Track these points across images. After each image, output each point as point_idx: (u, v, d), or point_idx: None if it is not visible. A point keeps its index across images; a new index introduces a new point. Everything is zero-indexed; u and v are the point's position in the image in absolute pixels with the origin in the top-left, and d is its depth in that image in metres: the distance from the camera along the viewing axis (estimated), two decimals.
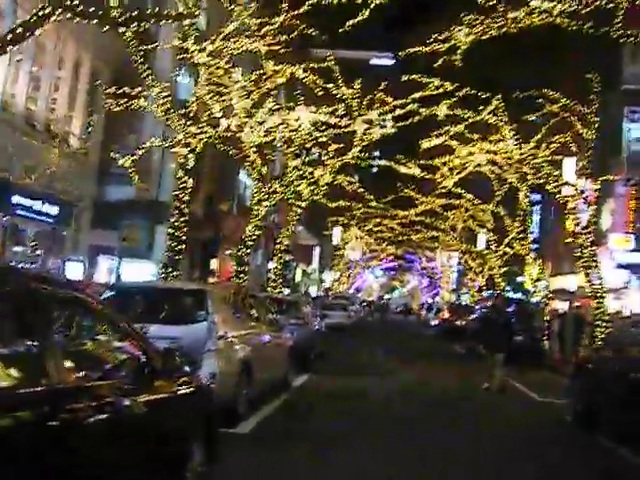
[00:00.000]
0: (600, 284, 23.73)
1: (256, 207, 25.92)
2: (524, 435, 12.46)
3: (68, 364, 4.26)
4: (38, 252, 23.87)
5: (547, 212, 51.68)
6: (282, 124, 21.94)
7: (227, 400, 10.47)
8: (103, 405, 4.32)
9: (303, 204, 31.47)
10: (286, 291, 38.15)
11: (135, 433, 4.84)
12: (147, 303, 11.29)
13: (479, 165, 34.12)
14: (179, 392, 5.75)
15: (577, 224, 24.45)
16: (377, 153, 42.78)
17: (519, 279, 52.54)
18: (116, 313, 5.47)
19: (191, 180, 19.40)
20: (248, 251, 25.24)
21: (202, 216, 34.11)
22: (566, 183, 25.49)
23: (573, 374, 14.75)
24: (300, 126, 22.57)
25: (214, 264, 37.89)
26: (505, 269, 44.04)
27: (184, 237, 19.19)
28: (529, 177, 32.31)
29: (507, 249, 43.18)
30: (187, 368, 6.31)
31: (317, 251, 69.78)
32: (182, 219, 19.07)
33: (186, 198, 19.30)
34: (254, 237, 25.46)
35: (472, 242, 52.65)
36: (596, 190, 25.39)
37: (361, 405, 13.97)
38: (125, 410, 4.65)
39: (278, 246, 31.97)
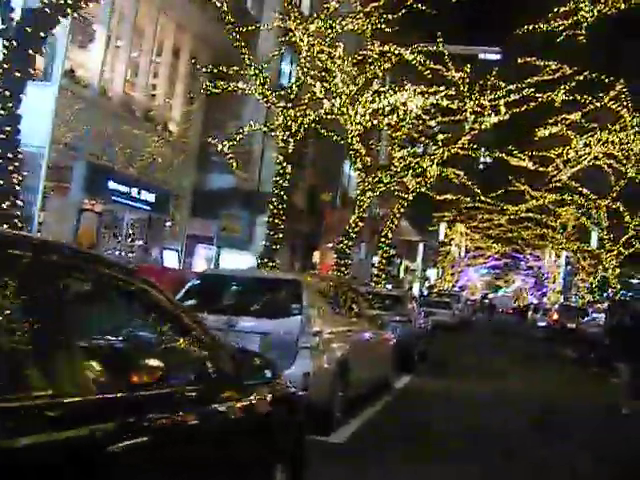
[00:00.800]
0: None
1: (360, 198, 24.79)
2: None
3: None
4: (135, 241, 23.36)
5: None
6: (389, 107, 20.68)
7: (321, 403, 9.37)
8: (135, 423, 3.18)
9: (409, 196, 30.18)
10: (389, 287, 36.92)
11: (193, 459, 3.68)
12: (237, 293, 10.30)
13: (596, 158, 32.26)
14: (257, 404, 4.61)
15: None
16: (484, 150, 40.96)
17: (634, 281, 50.10)
18: (179, 305, 4.35)
19: (290, 166, 18.40)
20: (350, 243, 24.13)
21: (304, 207, 33.25)
22: None
23: None
24: (408, 110, 21.26)
25: (315, 257, 36.94)
26: (619, 270, 41.74)
27: (283, 226, 18.22)
28: None
29: (622, 249, 41.03)
30: (269, 373, 5.12)
31: (421, 247, 68.22)
32: (281, 207, 18.10)
33: (286, 185, 18.36)
34: (357, 229, 24.32)
35: (584, 241, 50.38)
36: None
37: (468, 412, 12.66)
38: (175, 429, 3.51)
39: (382, 239, 30.77)
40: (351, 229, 24.00)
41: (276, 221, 18.00)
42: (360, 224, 24.43)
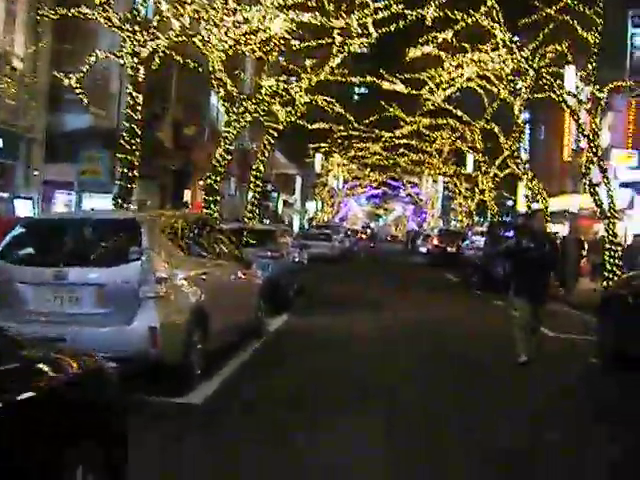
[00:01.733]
0: (610, 203, 21.34)
1: (225, 129, 23.23)
2: (553, 386, 10.17)
3: None
4: None
5: (537, 132, 49.32)
6: (245, 24, 19.02)
7: (175, 361, 8.11)
8: None
9: (279, 126, 28.78)
10: (264, 222, 35.65)
11: None
12: (67, 240, 8.78)
13: (469, 79, 31.56)
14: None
15: (586, 136, 21.89)
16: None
17: (509, 203, 50.49)
18: None
19: (141, 96, 16.71)
20: (218, 179, 22.60)
21: (171, 144, 31.45)
22: (568, 93, 22.94)
23: (601, 308, 12.42)
24: (271, 31, 19.70)
25: (187, 195, 35.27)
26: (496, 192, 41.69)
27: (137, 163, 16.58)
28: (523, 90, 29.90)
29: (498, 171, 40.91)
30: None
31: (299, 180, 67.21)
32: (134, 142, 16.41)
33: (138, 117, 16.64)
34: (224, 163, 22.78)
35: (460, 164, 50.32)
36: (600, 100, 22.77)
37: (349, 356, 11.57)
38: None
39: (254, 172, 29.36)
40: (218, 164, 22.46)
41: (129, 158, 16.33)
42: (228, 158, 22.89)
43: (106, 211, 13.72)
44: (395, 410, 8.32)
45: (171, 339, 7.99)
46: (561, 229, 33.75)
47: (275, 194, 55.16)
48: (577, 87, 22.27)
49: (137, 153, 16.54)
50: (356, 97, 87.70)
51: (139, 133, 16.56)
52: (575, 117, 22.07)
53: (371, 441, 7.09)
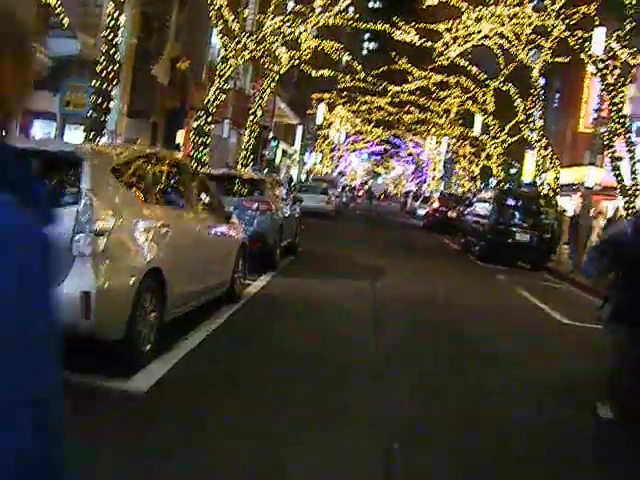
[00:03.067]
0: (635, 178, 19.57)
1: (221, 66, 21.34)
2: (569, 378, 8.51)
3: None
4: None
5: (550, 100, 47.30)
6: None
7: (113, 335, 6.42)
8: None
9: (281, 69, 26.88)
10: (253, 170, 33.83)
11: None
12: None
13: (486, 37, 29.64)
14: None
15: (613, 104, 20.03)
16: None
17: (512, 171, 48.60)
18: None
19: (123, 17, 14.81)
20: (209, 119, 20.77)
21: (166, 82, 29.50)
22: (596, 58, 21.03)
23: None
24: None
25: (179, 137, 33.34)
26: (504, 158, 39.85)
27: (113, 92, 14.73)
28: (544, 52, 28.00)
29: (507, 137, 39.09)
30: None
31: (299, 131, 65.13)
32: (111, 69, 14.52)
33: (118, 40, 14.74)
34: (217, 103, 20.93)
35: (467, 127, 48.39)
36: (632, 67, 20.90)
37: (331, 336, 9.87)
38: None
39: (252, 117, 27.48)
40: (209, 103, 20.61)
41: (104, 86, 14.43)
42: (221, 97, 21.04)
43: (46, 141, 11.90)
44: (384, 400, 6.67)
45: (110, 308, 6.27)
46: (569, 203, 32.13)
47: (274, 143, 53.22)
48: (609, 50, 20.28)
49: (115, 82, 14.67)
50: (365, 52, 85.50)
51: (117, 59, 14.68)
52: (604, 83, 20.14)
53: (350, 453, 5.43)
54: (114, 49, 14.53)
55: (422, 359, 8.89)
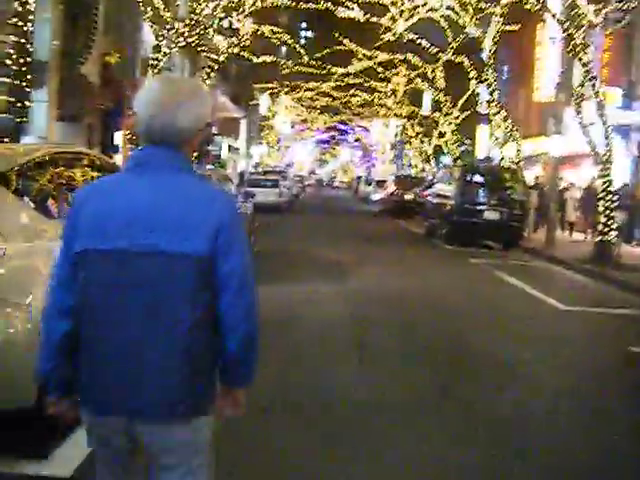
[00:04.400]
0: (607, 146, 18.20)
1: (154, 56, 19.51)
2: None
3: None
4: None
5: (499, 73, 46.07)
6: None
7: (19, 402, 4.73)
8: None
9: (220, 57, 25.07)
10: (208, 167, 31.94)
11: None
12: None
13: (432, 10, 28.24)
14: None
15: (584, 64, 18.56)
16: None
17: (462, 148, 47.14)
18: None
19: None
20: None
21: (98, 80, 27.55)
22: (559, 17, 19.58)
23: None
24: None
25: (118, 138, 31.32)
26: (457, 135, 38.41)
27: (29, 90, 12.86)
28: (496, 19, 26.61)
29: (458, 112, 37.71)
30: None
31: (244, 124, 63.20)
32: (24, 61, 12.64)
33: (29, 28, 12.85)
34: None
35: (416, 106, 47.00)
36: (595, 26, 19.49)
37: (309, 360, 8.23)
38: None
39: None
40: None
41: (18, 81, 12.55)
42: None
43: None
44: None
45: (6, 370, 4.57)
46: (531, 175, 30.87)
47: (219, 138, 51.32)
48: (573, 6, 18.81)
49: (28, 76, 12.79)
50: (303, 40, 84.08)
51: (30, 50, 12.80)
52: (571, 43, 18.67)
53: None
54: (24, 38, 12.63)
55: (431, 387, 7.30)
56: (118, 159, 27.19)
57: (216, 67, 25.54)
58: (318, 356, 7.89)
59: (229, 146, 56.25)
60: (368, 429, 5.72)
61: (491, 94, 27.08)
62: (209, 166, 33.85)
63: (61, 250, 2.66)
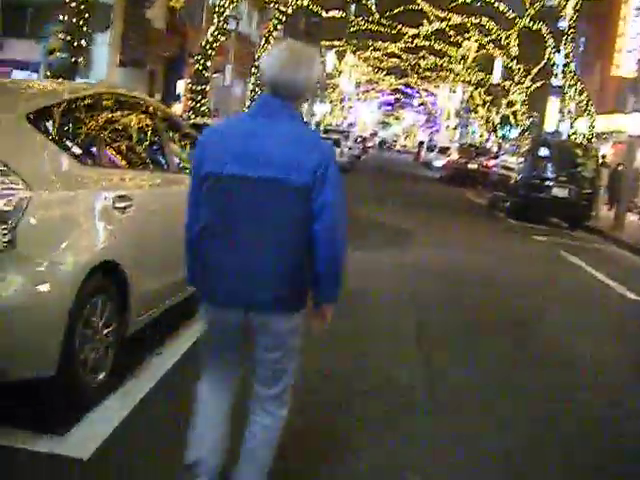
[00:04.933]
0: None
1: (220, 3, 18.83)
2: None
3: None
4: None
5: (576, 45, 44.44)
6: None
7: (42, 371, 4.20)
8: None
9: (288, 10, 24.33)
10: None
11: None
12: None
13: None
14: None
15: None
16: None
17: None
18: None
19: None
20: (208, 64, 18.35)
21: (163, 27, 27.05)
22: None
23: None
24: None
25: (179, 87, 30.85)
26: (527, 106, 37.17)
27: (84, 25, 12.29)
28: None
29: (529, 83, 36.44)
30: None
31: None
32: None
33: None
34: (216, 46, 18.48)
35: (486, 73, 45.69)
36: None
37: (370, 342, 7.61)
38: None
39: (257, 62, 24.99)
40: (209, 45, 18.18)
41: (75, 21, 11.98)
42: (221, 39, 18.58)
43: None
44: None
45: (28, 332, 4.03)
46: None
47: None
48: None
49: (87, 15, 12.21)
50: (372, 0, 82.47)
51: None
52: None
53: None
54: None
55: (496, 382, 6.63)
56: (178, 108, 26.72)
57: (283, 19, 24.78)
58: (379, 338, 7.27)
59: None
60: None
61: (568, 65, 25.88)
62: None
63: (192, 175, 3.35)
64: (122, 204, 4.99)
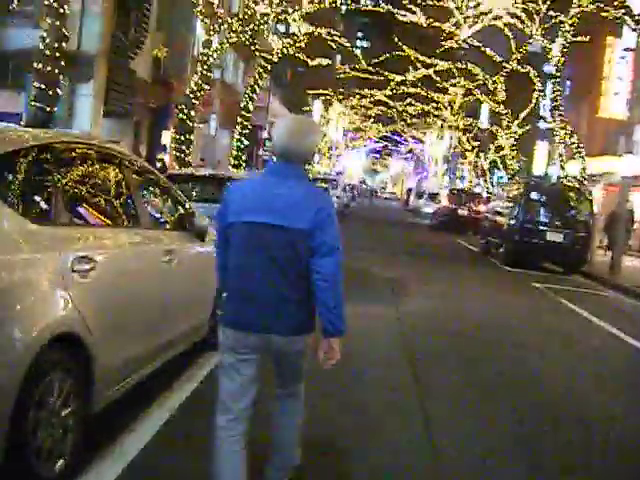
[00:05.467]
0: None
1: (203, 52, 18.45)
2: None
3: None
4: None
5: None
6: None
7: None
8: None
9: (273, 58, 24.00)
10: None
11: None
12: None
13: (497, 18, 27.03)
14: None
15: None
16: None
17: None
18: None
19: None
20: (192, 113, 17.89)
21: (149, 78, 26.67)
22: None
23: None
24: None
25: (165, 137, 30.39)
26: (515, 150, 36.88)
27: (59, 73, 11.80)
28: (566, 28, 25.21)
29: (518, 128, 36.22)
30: None
31: None
32: (57, 46, 11.59)
33: (64, 10, 11.79)
34: (200, 95, 18.04)
35: (473, 119, 45.62)
36: None
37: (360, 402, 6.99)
38: None
39: (242, 112, 24.59)
40: (192, 94, 17.72)
41: (49, 68, 11.47)
42: (205, 88, 18.15)
43: None
44: None
45: None
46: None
47: (269, 143, 50.40)
48: None
49: (62, 63, 11.74)
50: (358, 50, 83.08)
51: (65, 34, 11.75)
52: None
53: None
54: (59, 20, 11.55)
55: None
56: (167, 159, 26.27)
57: (269, 67, 24.47)
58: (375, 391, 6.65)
59: None
60: None
61: (556, 108, 25.60)
62: (258, 171, 32.80)
63: (217, 224, 4.05)
64: (83, 266, 4.40)
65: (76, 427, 4.31)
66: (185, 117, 17.88)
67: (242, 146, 24.76)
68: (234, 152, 24.56)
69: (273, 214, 3.72)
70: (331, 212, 3.85)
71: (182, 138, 17.87)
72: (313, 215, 3.72)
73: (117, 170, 5.58)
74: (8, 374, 3.61)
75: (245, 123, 24.24)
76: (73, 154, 4.98)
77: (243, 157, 24.99)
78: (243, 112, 24.61)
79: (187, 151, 17.73)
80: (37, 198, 4.33)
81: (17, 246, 3.92)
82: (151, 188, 6.51)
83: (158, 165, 22.26)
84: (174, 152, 17.93)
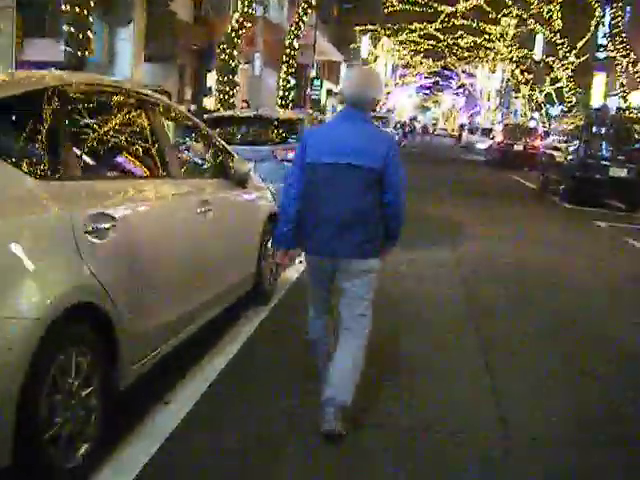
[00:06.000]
0: None
1: None
2: None
3: None
4: None
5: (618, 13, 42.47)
6: None
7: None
8: None
9: None
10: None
11: None
12: None
13: None
14: None
15: None
16: None
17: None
18: None
19: None
20: (235, 52, 17.20)
21: (190, 19, 25.99)
22: None
23: None
24: None
25: (210, 80, 29.73)
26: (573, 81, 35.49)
27: (88, 15, 11.18)
28: None
29: (573, 58, 34.76)
30: None
31: (344, 68, 61.05)
32: None
33: None
34: (242, 33, 17.33)
35: (528, 49, 44.01)
36: None
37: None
38: None
39: (287, 50, 23.79)
40: (234, 33, 17.04)
41: (79, 11, 10.86)
42: (246, 25, 17.43)
43: None
44: None
45: None
46: None
47: (318, 82, 49.42)
48: None
49: (91, 4, 11.10)
50: None
51: None
52: None
53: None
54: None
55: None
56: (210, 102, 25.65)
57: (314, 2, 23.57)
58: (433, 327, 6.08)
59: (328, 90, 54.35)
60: None
61: (617, 35, 24.34)
62: (308, 110, 31.99)
63: (295, 161, 4.54)
64: (100, 225, 3.85)
65: (101, 407, 3.83)
66: (228, 57, 17.16)
67: (289, 85, 24.03)
68: (280, 92, 23.84)
69: (348, 155, 4.27)
70: (397, 152, 4.42)
71: (225, 79, 17.17)
72: (384, 156, 4.30)
73: (146, 116, 5.00)
74: (13, 354, 3.09)
75: (291, 62, 23.49)
76: (93, 98, 4.41)
77: (290, 97, 24.27)
78: (288, 50, 23.83)
79: (231, 92, 17.05)
80: (42, 149, 3.73)
81: (18, 206, 3.37)
82: (188, 136, 5.94)
83: (195, 107, 21.68)
84: (218, 93, 17.28)
